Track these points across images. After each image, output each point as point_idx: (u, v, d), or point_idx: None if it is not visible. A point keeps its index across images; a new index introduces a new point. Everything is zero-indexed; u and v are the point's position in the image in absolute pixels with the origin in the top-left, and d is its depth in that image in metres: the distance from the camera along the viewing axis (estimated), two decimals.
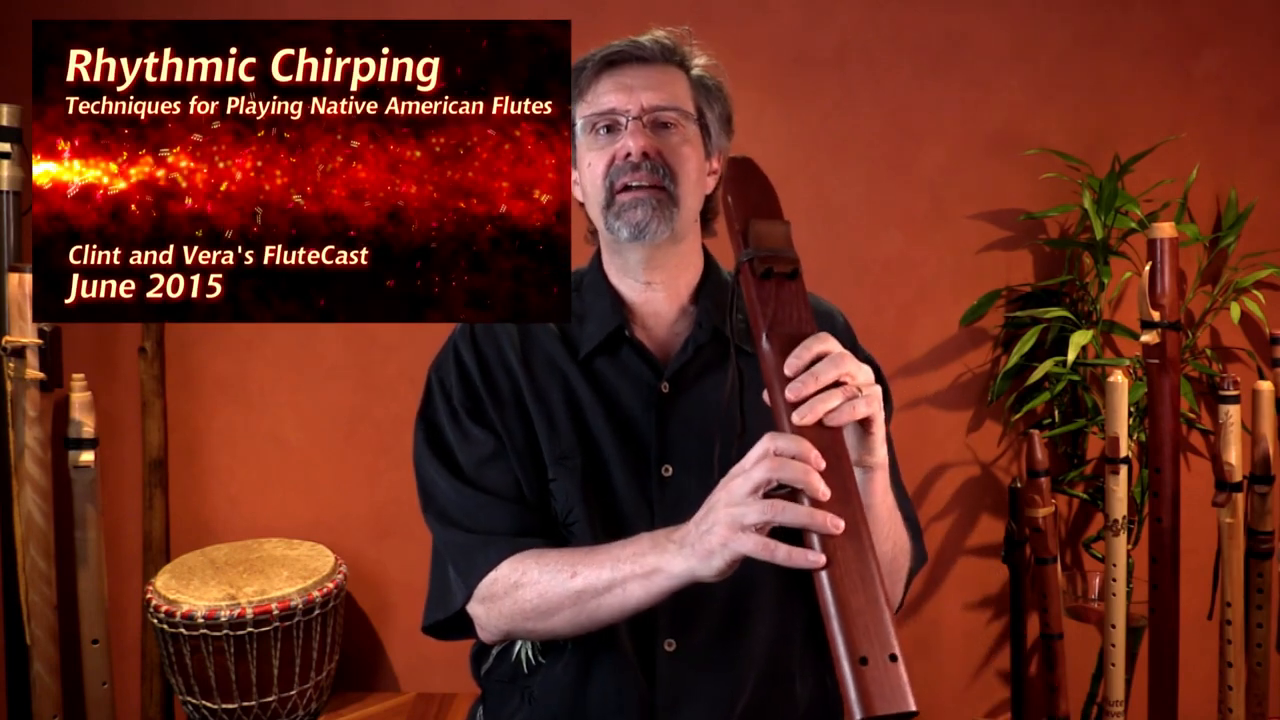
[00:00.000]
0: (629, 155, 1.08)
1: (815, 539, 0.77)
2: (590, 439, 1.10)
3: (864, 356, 1.20)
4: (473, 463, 1.11)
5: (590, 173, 1.11)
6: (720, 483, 0.88)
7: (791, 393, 0.83)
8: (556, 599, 1.01)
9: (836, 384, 0.83)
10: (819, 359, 0.84)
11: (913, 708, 0.69)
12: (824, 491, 0.78)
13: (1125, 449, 1.92)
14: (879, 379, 1.22)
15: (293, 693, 2.02)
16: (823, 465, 0.80)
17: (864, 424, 0.87)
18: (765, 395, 0.86)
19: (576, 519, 1.08)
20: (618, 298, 1.15)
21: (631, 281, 1.15)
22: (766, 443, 0.83)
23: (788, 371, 0.84)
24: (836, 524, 0.77)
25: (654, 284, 1.15)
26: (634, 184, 1.07)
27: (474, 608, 1.09)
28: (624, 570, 0.96)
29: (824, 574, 0.76)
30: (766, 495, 0.82)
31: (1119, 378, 1.91)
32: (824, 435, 0.82)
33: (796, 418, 0.82)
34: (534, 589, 1.02)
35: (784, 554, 0.79)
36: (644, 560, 0.95)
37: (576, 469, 1.09)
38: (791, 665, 1.13)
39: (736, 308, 0.96)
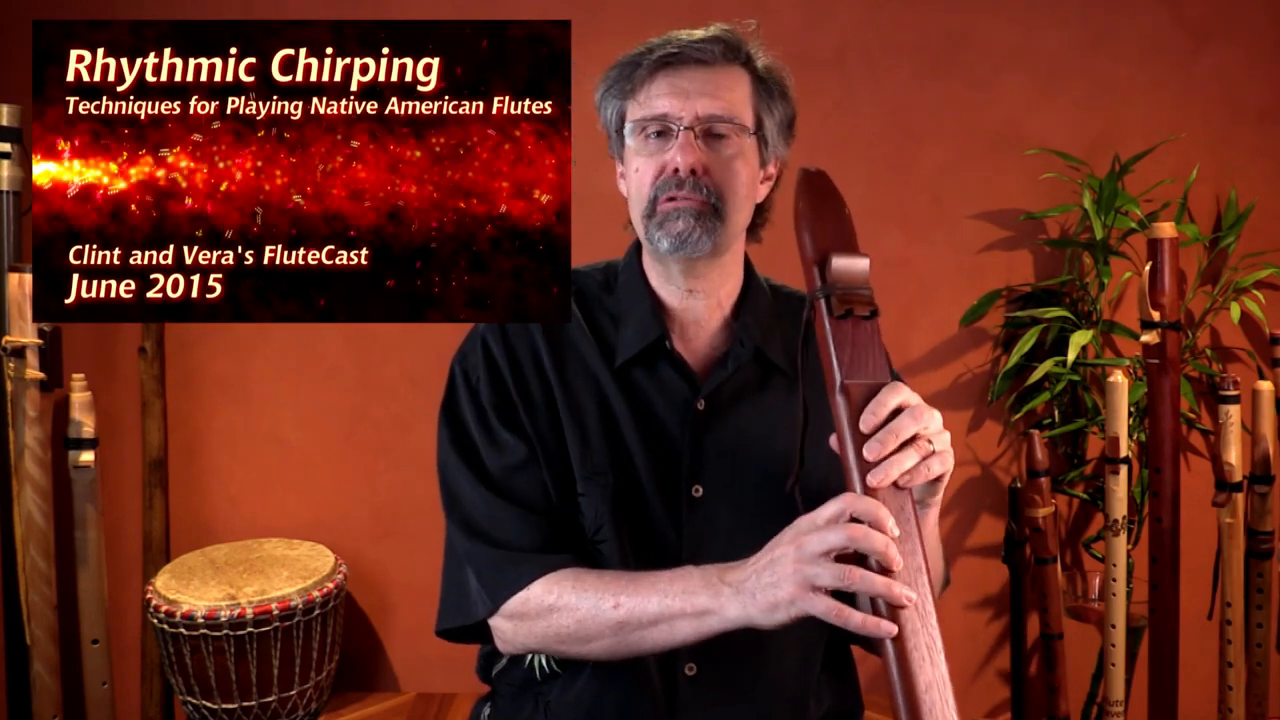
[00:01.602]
0: (677, 170, 1.03)
1: (883, 606, 0.78)
2: (624, 455, 1.06)
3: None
4: (501, 470, 1.07)
5: (637, 179, 1.07)
6: (788, 534, 0.86)
7: (870, 453, 0.81)
8: (596, 628, 0.98)
9: (912, 437, 0.83)
10: (895, 413, 0.83)
11: None
12: (899, 562, 0.79)
13: (1125, 449, 1.92)
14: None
15: (293, 693, 2.02)
16: (898, 533, 0.80)
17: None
18: (833, 441, 0.85)
19: (605, 538, 1.05)
20: (658, 303, 1.11)
21: (672, 288, 1.11)
22: (843, 504, 0.81)
23: (864, 428, 0.82)
24: (910, 597, 0.78)
25: (696, 292, 1.10)
26: (678, 197, 1.03)
27: (499, 623, 1.05)
28: (673, 606, 0.93)
29: (890, 644, 0.77)
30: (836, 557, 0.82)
31: (1119, 378, 1.91)
32: (897, 496, 0.82)
33: (873, 479, 0.81)
34: (571, 615, 0.99)
35: (858, 621, 0.79)
36: (695, 600, 0.92)
37: (608, 486, 1.05)
38: (809, 688, 1.11)
39: (807, 340, 0.92)
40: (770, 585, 0.85)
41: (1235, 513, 1.88)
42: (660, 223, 1.04)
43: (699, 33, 1.06)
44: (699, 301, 1.11)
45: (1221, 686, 1.94)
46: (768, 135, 1.10)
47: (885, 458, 0.81)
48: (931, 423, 0.84)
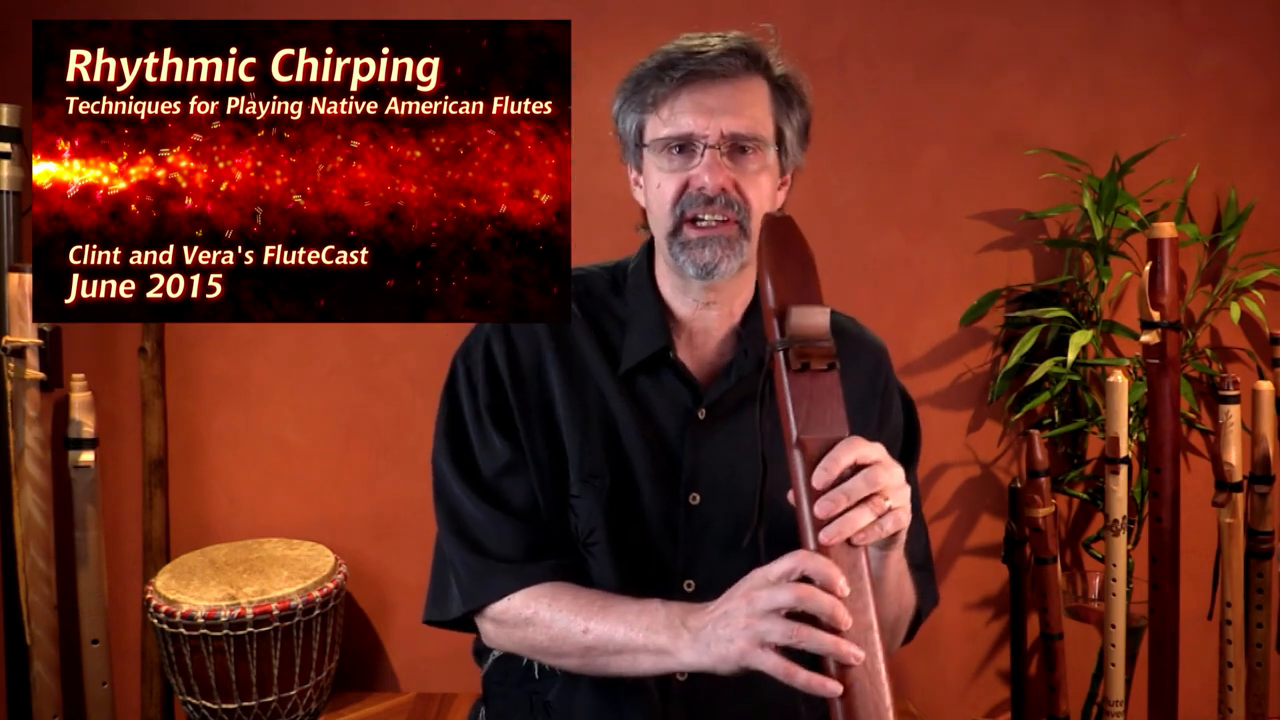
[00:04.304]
0: (703, 189, 1.01)
1: (832, 663, 0.79)
2: (622, 458, 1.06)
3: (899, 391, 1.19)
4: (490, 472, 1.08)
5: (659, 194, 1.05)
6: (742, 587, 0.87)
7: (821, 511, 0.81)
8: (567, 647, 1.00)
9: (868, 495, 0.82)
10: (855, 468, 0.82)
11: None
12: (848, 622, 0.79)
13: (1125, 449, 1.92)
14: (910, 417, 1.19)
15: (293, 693, 2.02)
16: (848, 593, 0.79)
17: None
18: (790, 496, 0.84)
19: (597, 540, 1.06)
20: (666, 311, 1.11)
21: (688, 299, 1.10)
22: (794, 561, 0.81)
23: (816, 485, 0.81)
24: (857, 656, 0.78)
25: (712, 304, 1.10)
26: (705, 218, 1.02)
27: (482, 622, 1.08)
28: (636, 640, 0.95)
29: (838, 701, 0.78)
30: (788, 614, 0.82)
31: (1119, 378, 1.91)
32: (850, 553, 0.81)
33: (824, 537, 0.80)
34: (545, 631, 1.02)
35: (803, 680, 0.80)
36: (656, 638, 0.93)
37: (604, 489, 1.06)
38: (798, 696, 1.12)
39: (768, 392, 0.90)
40: (724, 640, 0.86)
41: (1235, 513, 1.88)
42: (685, 246, 1.03)
43: (717, 43, 1.03)
44: (712, 312, 1.10)
45: (1221, 686, 1.94)
46: (788, 146, 1.08)
47: (838, 515, 0.81)
48: (889, 480, 0.83)
